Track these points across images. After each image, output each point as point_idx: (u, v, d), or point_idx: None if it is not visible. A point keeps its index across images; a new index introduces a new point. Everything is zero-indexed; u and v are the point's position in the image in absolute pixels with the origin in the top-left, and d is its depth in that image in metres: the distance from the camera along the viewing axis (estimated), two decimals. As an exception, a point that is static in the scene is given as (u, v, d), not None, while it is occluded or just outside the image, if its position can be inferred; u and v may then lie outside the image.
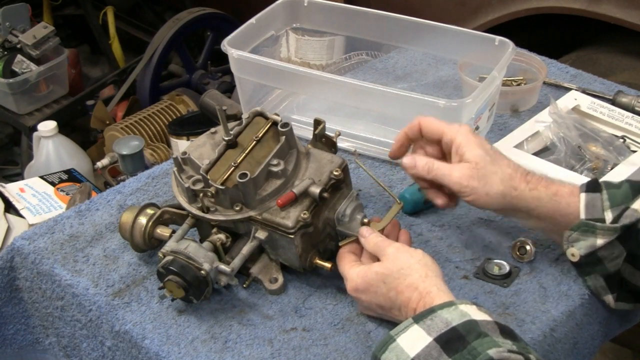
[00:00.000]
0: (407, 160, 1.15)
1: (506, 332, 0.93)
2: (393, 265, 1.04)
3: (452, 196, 1.16)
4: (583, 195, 1.09)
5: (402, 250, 1.06)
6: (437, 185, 1.15)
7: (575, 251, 1.09)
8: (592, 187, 1.10)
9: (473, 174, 1.09)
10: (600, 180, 1.13)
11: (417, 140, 1.17)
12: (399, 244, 1.07)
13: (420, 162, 1.13)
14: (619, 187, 1.10)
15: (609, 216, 1.07)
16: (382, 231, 1.13)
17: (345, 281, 1.09)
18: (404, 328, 0.94)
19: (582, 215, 1.08)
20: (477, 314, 0.94)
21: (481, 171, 1.09)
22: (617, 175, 1.28)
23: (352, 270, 1.07)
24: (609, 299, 1.13)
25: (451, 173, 1.10)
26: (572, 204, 1.10)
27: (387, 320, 1.09)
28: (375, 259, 1.08)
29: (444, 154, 1.16)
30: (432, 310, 0.95)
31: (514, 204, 1.11)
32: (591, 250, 1.08)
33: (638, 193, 1.08)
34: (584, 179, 1.28)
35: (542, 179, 1.12)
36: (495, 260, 1.18)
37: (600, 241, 1.06)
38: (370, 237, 1.10)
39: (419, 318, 0.95)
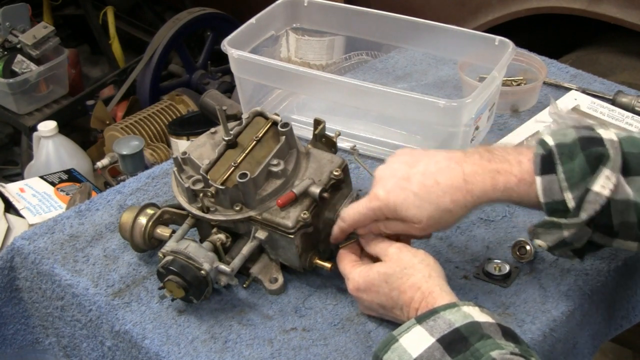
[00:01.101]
0: (338, 234, 1.12)
1: (508, 334, 0.93)
2: (396, 265, 1.04)
3: None
4: (538, 180, 1.02)
5: (404, 250, 1.06)
6: None
7: (543, 243, 1.05)
8: (547, 166, 1.01)
9: (428, 227, 1.05)
10: (553, 142, 1.02)
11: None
12: (400, 244, 1.07)
13: (368, 231, 1.10)
14: (573, 158, 1.01)
15: (569, 197, 1.00)
16: None
17: (346, 281, 1.09)
18: (407, 328, 0.94)
19: (541, 199, 1.02)
20: (479, 316, 0.94)
21: (430, 223, 1.04)
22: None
23: (354, 270, 1.07)
24: (576, 260, 1.10)
25: (409, 231, 1.07)
26: (523, 193, 1.03)
27: (387, 320, 1.09)
28: (375, 259, 1.08)
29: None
30: (434, 312, 0.95)
31: (475, 209, 1.07)
32: (558, 241, 1.03)
33: (594, 167, 1.00)
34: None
35: (485, 173, 1.03)
36: (495, 260, 1.18)
37: (566, 233, 1.02)
38: (371, 238, 1.10)
39: (421, 319, 0.94)
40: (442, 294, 0.99)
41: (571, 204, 1.00)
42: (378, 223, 1.09)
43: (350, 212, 1.10)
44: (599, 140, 1.01)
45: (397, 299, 1.02)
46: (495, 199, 1.04)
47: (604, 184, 0.97)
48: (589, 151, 1.00)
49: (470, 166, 1.03)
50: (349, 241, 1.13)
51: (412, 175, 1.05)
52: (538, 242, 1.05)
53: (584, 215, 0.98)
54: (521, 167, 1.03)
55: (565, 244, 1.03)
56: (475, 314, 0.94)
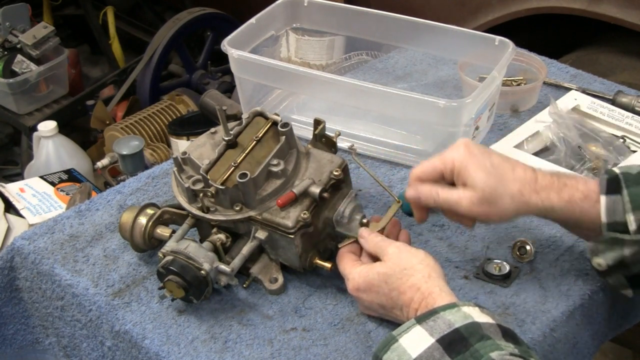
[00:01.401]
0: (409, 192, 1.11)
1: (508, 335, 0.93)
2: (396, 265, 1.03)
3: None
4: (603, 198, 1.06)
5: (404, 250, 1.05)
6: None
7: (602, 261, 1.07)
8: (613, 187, 1.06)
9: (481, 201, 1.05)
10: (619, 171, 1.08)
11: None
12: (400, 244, 1.07)
13: (423, 192, 1.10)
14: (639, 184, 1.06)
15: (630, 219, 1.04)
16: (382, 231, 1.13)
17: (346, 281, 1.09)
18: (407, 329, 0.94)
19: (603, 219, 1.05)
20: (479, 316, 0.94)
21: (489, 197, 1.05)
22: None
23: (354, 270, 1.07)
24: (628, 292, 1.11)
25: (459, 203, 1.07)
26: (585, 210, 1.07)
27: (387, 320, 1.09)
28: (375, 259, 1.08)
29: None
30: (434, 312, 0.95)
31: (527, 214, 1.10)
32: (618, 260, 1.06)
33: None
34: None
35: (554, 184, 1.07)
36: (495, 260, 1.18)
37: (627, 251, 1.04)
38: (370, 238, 1.10)
39: (421, 319, 0.94)
40: (441, 295, 0.99)
41: (632, 226, 1.04)
42: (435, 187, 1.09)
43: (422, 164, 1.10)
44: None
45: (397, 300, 1.02)
46: (558, 209, 1.07)
47: None
48: None
49: (542, 176, 1.08)
50: (348, 241, 1.13)
51: (494, 154, 1.09)
52: (597, 260, 1.08)
53: None
54: (587, 185, 1.08)
55: (624, 265, 1.05)
56: (475, 314, 0.94)
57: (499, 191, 1.05)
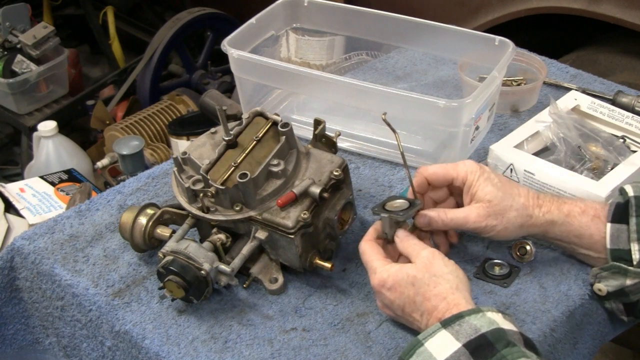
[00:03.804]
0: (420, 221, 1.14)
1: (529, 345, 0.94)
2: (426, 270, 1.02)
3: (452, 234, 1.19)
4: (609, 226, 1.10)
5: (437, 256, 1.04)
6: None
7: (603, 287, 1.11)
8: (619, 216, 1.10)
9: (489, 213, 1.10)
10: (632, 193, 1.11)
11: (426, 192, 1.17)
12: (435, 250, 1.06)
13: (433, 218, 1.13)
14: None
15: (635, 248, 1.08)
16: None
17: (370, 274, 1.07)
18: (432, 332, 0.94)
19: (608, 245, 1.10)
20: (503, 323, 0.94)
21: (496, 208, 1.10)
22: (617, 175, 1.28)
23: (382, 266, 1.06)
24: (623, 317, 1.15)
25: (467, 218, 1.11)
26: (584, 224, 1.11)
27: (388, 321, 1.09)
28: (399, 260, 1.09)
29: (451, 193, 1.18)
30: (460, 316, 0.94)
31: (529, 231, 1.13)
32: (619, 288, 1.10)
33: None
34: (584, 179, 1.28)
35: (554, 199, 1.13)
36: (495, 260, 1.18)
37: (630, 282, 1.08)
38: (407, 238, 1.09)
39: (446, 323, 0.94)
40: (467, 307, 0.98)
41: (636, 255, 1.07)
42: (441, 210, 1.13)
43: (434, 166, 1.15)
44: None
45: (420, 305, 1.02)
46: (559, 223, 1.11)
47: None
48: None
49: (544, 194, 1.15)
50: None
51: (498, 174, 1.16)
52: (598, 286, 1.12)
53: None
54: (585, 202, 1.14)
55: (624, 293, 1.09)
56: (499, 320, 0.94)
57: (505, 204, 1.10)
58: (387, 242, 1.12)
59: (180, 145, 2.47)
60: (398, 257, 1.11)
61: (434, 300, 1.00)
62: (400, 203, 1.11)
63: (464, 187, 1.13)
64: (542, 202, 1.12)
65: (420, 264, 1.04)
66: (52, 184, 2.21)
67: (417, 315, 1.02)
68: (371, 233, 1.12)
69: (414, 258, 1.05)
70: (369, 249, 1.09)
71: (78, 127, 2.99)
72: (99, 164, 2.47)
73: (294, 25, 1.63)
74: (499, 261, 1.18)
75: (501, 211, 1.10)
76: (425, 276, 1.02)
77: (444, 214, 1.12)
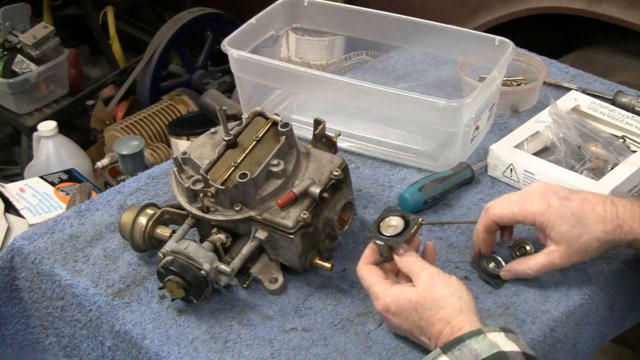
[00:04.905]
0: (505, 275, 1.15)
1: None
2: (427, 294, 1.01)
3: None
4: None
5: (437, 278, 1.02)
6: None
7: None
8: None
9: (571, 253, 1.09)
10: None
11: (496, 232, 1.16)
12: (434, 269, 1.04)
13: (519, 273, 1.14)
14: None
15: None
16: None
17: (373, 299, 1.06)
18: (432, 359, 0.93)
19: None
20: (505, 344, 0.93)
21: (576, 246, 1.08)
22: (617, 175, 1.28)
23: (384, 291, 1.04)
24: None
25: (552, 264, 1.10)
26: None
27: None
28: (398, 275, 1.08)
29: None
30: (460, 340, 0.93)
31: (613, 249, 1.13)
32: None
33: None
34: (584, 179, 1.28)
35: (635, 215, 1.08)
36: (496, 261, 1.17)
37: None
38: (406, 257, 1.07)
39: (447, 348, 0.93)
40: (472, 330, 0.96)
41: None
42: (523, 262, 1.13)
43: (501, 208, 1.11)
44: None
45: (425, 329, 1.01)
46: (638, 241, 1.08)
47: None
48: None
49: (623, 206, 1.09)
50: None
51: (573, 197, 1.09)
52: None
53: None
54: None
55: None
56: (501, 342, 0.93)
57: (584, 239, 1.08)
58: (385, 260, 1.10)
59: (180, 145, 2.47)
60: (398, 271, 1.10)
61: (439, 325, 0.99)
62: (396, 222, 1.09)
63: (535, 226, 1.10)
64: (623, 221, 1.08)
65: (421, 287, 1.02)
66: (52, 184, 2.21)
67: (425, 339, 1.02)
68: (367, 256, 1.10)
69: (414, 280, 1.04)
70: (367, 273, 1.08)
71: (78, 127, 2.99)
72: (99, 164, 2.47)
73: (294, 25, 1.63)
74: (499, 261, 1.17)
75: (583, 246, 1.08)
76: (427, 301, 1.00)
77: (528, 267, 1.12)
